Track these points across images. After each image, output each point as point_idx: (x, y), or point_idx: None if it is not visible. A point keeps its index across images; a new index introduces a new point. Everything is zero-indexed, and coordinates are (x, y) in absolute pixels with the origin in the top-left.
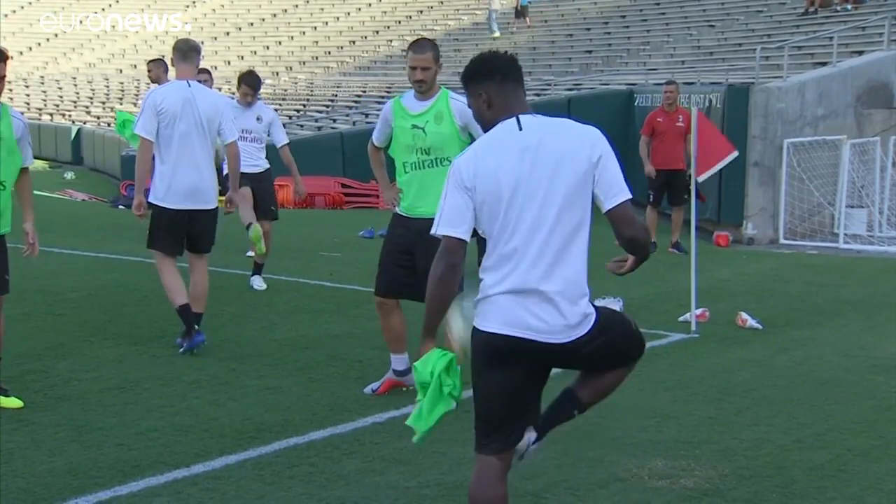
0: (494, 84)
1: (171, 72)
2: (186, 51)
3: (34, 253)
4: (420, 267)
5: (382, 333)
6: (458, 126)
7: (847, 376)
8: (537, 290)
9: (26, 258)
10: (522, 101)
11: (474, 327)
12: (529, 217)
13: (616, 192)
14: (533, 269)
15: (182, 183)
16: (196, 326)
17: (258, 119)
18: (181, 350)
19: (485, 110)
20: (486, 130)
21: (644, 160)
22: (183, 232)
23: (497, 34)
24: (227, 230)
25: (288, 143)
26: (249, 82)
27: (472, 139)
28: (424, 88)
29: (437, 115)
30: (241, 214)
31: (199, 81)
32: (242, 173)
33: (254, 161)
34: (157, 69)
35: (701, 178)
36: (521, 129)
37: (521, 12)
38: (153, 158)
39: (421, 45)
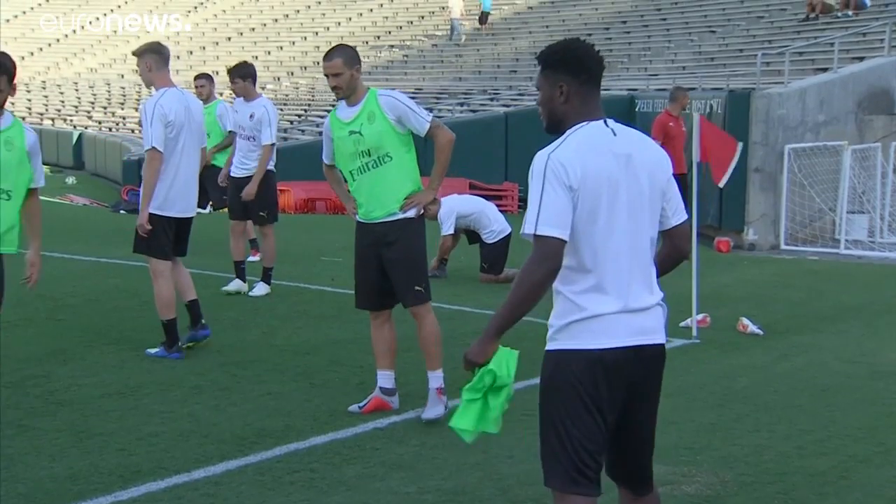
0: (578, 82)
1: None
2: (167, 56)
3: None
4: (390, 271)
5: (373, 345)
6: (391, 121)
7: (848, 382)
8: (645, 307)
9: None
10: (600, 104)
11: (573, 349)
12: (629, 226)
13: (681, 209)
14: (637, 284)
15: (182, 192)
16: (202, 319)
17: (251, 116)
18: (182, 343)
19: (560, 103)
20: (550, 121)
21: None
22: (172, 238)
23: (462, 40)
24: (226, 236)
25: (271, 144)
26: (232, 74)
27: (410, 133)
28: (342, 94)
29: (370, 116)
30: (231, 249)
31: (199, 87)
32: (231, 177)
33: (243, 163)
34: (209, 84)
35: (722, 183)
36: (615, 134)
37: (483, 18)
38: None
39: (329, 52)
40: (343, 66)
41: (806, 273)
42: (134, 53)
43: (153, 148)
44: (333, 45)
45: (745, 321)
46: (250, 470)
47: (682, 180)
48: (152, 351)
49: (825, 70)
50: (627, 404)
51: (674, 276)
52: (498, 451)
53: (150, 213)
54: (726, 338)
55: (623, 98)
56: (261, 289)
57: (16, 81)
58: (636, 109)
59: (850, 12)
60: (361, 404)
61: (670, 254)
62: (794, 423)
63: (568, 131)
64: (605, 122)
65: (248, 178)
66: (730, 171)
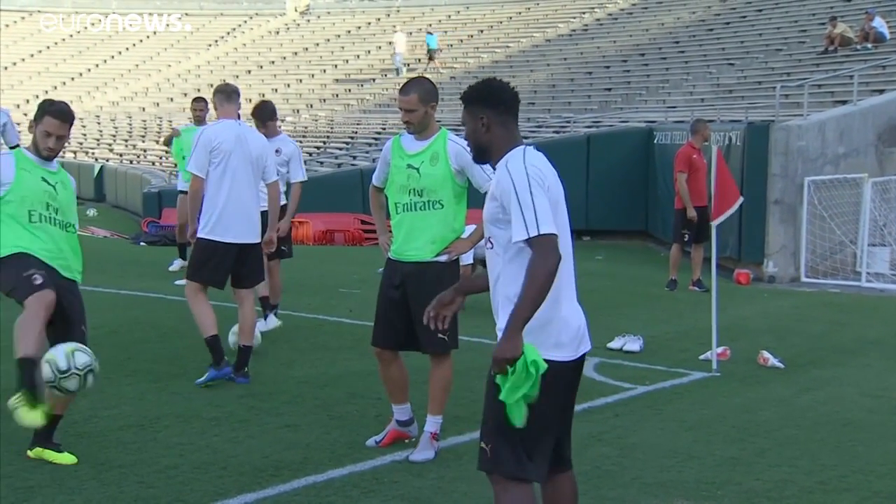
0: (496, 113)
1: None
2: (230, 93)
3: None
4: (415, 314)
5: (383, 384)
6: (453, 169)
7: (871, 417)
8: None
9: None
10: (519, 134)
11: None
12: (566, 235)
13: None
14: (573, 290)
15: (235, 217)
16: (246, 367)
17: (277, 151)
18: (206, 379)
19: (482, 133)
20: (476, 150)
21: (687, 201)
22: (230, 266)
23: (402, 74)
24: None
25: (303, 181)
26: (257, 115)
27: (469, 183)
28: (413, 130)
29: (433, 156)
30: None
31: (196, 110)
32: None
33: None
34: (206, 109)
35: (715, 223)
36: (542, 155)
37: (430, 56)
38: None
39: (406, 86)
40: (419, 102)
41: (827, 306)
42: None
43: (193, 174)
44: (410, 79)
45: (766, 354)
46: (268, 503)
47: (703, 212)
48: (201, 379)
49: (844, 102)
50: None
51: (693, 309)
52: None
53: (202, 238)
54: (747, 371)
55: (641, 130)
56: (271, 322)
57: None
58: (654, 141)
59: (869, 45)
60: (379, 438)
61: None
62: (816, 458)
63: (515, 151)
64: (535, 146)
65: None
66: (725, 216)
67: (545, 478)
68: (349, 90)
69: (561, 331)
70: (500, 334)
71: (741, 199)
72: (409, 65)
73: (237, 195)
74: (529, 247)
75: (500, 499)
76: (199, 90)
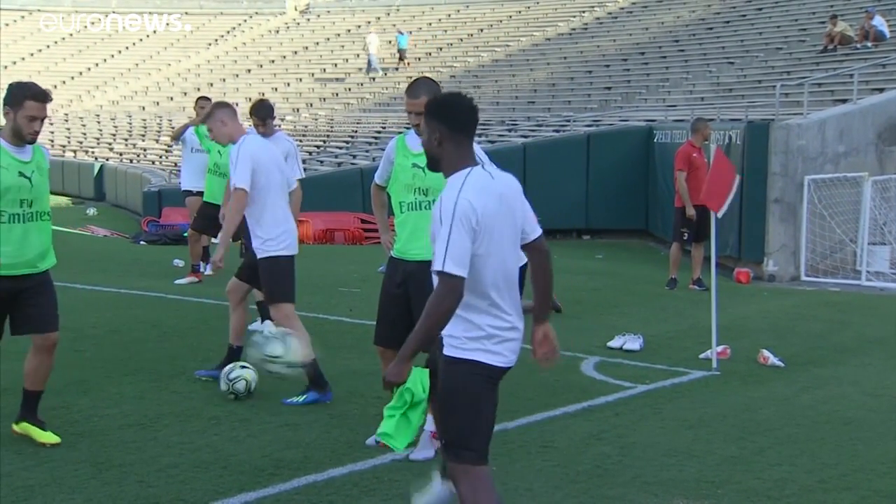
0: (448, 129)
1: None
2: (234, 111)
3: None
4: (417, 313)
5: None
6: None
7: (871, 416)
8: (517, 327)
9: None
10: (473, 151)
11: (482, 363)
12: (505, 257)
13: (535, 225)
14: (512, 308)
15: (293, 230)
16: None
17: None
18: (200, 374)
19: (435, 146)
20: (429, 160)
21: (686, 200)
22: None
23: (379, 74)
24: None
25: (300, 179)
26: (256, 113)
27: None
28: (421, 132)
29: None
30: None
31: (203, 108)
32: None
33: None
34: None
35: (720, 213)
36: (493, 178)
37: (401, 56)
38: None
39: (414, 88)
40: None
41: (827, 305)
42: (204, 120)
43: (241, 188)
44: (417, 80)
45: (766, 353)
46: (268, 501)
47: (703, 211)
48: (299, 399)
49: (844, 101)
50: None
51: (693, 308)
52: (517, 484)
53: (281, 256)
54: (747, 369)
55: (641, 129)
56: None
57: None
58: (654, 140)
59: (868, 44)
60: (378, 438)
61: (541, 263)
62: (816, 457)
63: (457, 176)
64: (483, 166)
65: None
66: (728, 201)
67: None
68: (349, 89)
69: (502, 340)
70: (443, 342)
71: (738, 178)
72: (384, 59)
73: (286, 208)
74: (437, 277)
75: (464, 483)
76: (198, 89)
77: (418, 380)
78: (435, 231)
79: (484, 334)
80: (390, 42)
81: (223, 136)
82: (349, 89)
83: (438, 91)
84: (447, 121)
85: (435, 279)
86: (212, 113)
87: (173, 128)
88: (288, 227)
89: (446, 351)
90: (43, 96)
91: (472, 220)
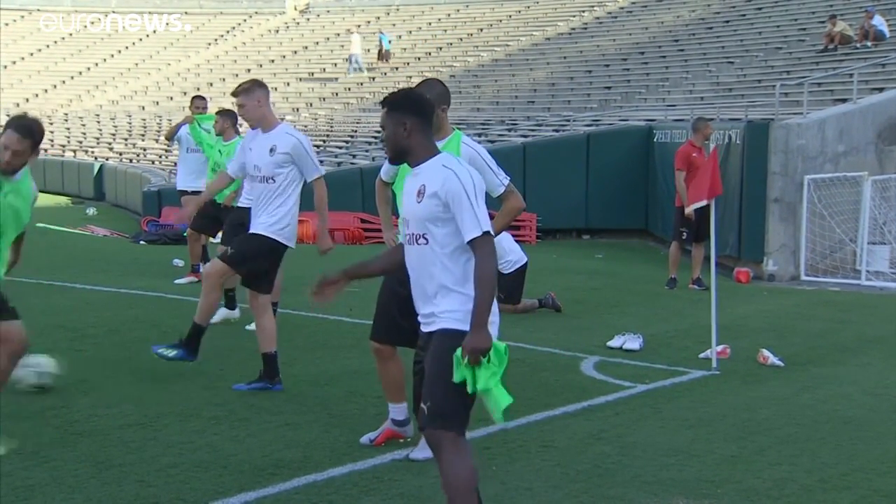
0: (418, 121)
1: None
2: (269, 93)
3: None
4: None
5: (380, 381)
6: None
7: (871, 415)
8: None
9: (47, 294)
10: (433, 139)
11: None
12: None
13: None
14: None
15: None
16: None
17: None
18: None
19: (403, 138)
20: (394, 153)
21: (684, 198)
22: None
23: (364, 74)
24: None
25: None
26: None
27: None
28: None
29: None
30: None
31: (198, 108)
32: (238, 208)
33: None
34: (224, 121)
35: (689, 210)
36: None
37: (384, 55)
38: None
39: (418, 89)
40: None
41: (826, 304)
42: (235, 93)
43: (321, 176)
44: (422, 81)
45: (766, 352)
46: (268, 501)
47: (704, 210)
48: (243, 385)
49: (844, 101)
50: None
51: (693, 307)
52: (517, 483)
53: (279, 242)
54: (746, 369)
55: (641, 129)
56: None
57: (39, 148)
58: (654, 140)
59: (868, 43)
60: (373, 436)
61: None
62: (816, 456)
63: (447, 156)
64: (450, 154)
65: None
66: (698, 205)
67: None
68: (348, 88)
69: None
70: (431, 320)
71: (705, 202)
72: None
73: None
74: (473, 246)
75: (450, 451)
76: (198, 89)
77: (499, 343)
78: (438, 207)
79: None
80: (390, 42)
81: (255, 116)
82: (349, 89)
83: (443, 90)
84: (418, 112)
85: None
86: (250, 89)
87: (187, 116)
88: (294, 221)
89: (444, 325)
90: (22, 129)
91: (481, 191)
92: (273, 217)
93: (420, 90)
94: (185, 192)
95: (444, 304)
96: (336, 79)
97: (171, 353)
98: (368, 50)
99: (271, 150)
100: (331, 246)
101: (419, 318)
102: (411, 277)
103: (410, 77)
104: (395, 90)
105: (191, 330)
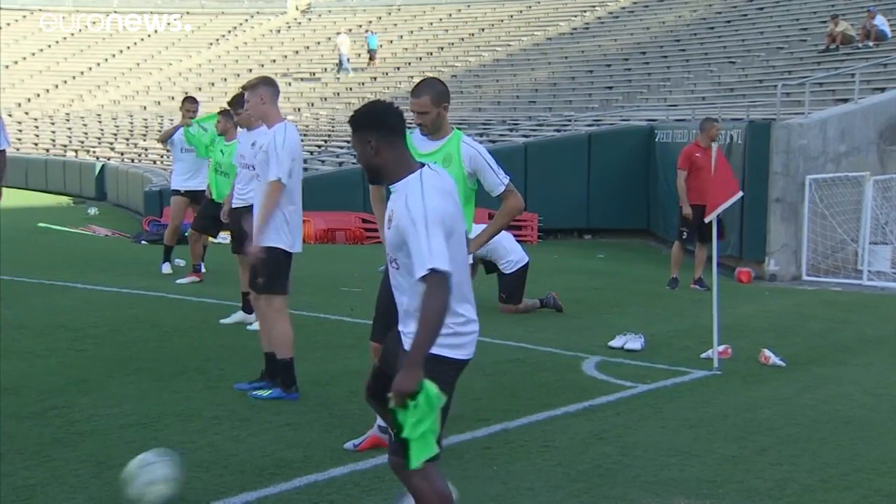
0: (381, 135)
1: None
2: (278, 90)
3: None
4: None
5: None
6: (465, 171)
7: (872, 415)
8: (475, 319)
9: (49, 294)
10: (410, 152)
11: (452, 358)
12: (462, 254)
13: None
14: (470, 303)
15: (300, 227)
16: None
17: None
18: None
19: (371, 156)
20: (369, 173)
21: (682, 199)
22: None
23: (351, 74)
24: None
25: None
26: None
27: (478, 185)
28: (426, 131)
29: (446, 158)
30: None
31: (188, 111)
32: (233, 209)
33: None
34: (226, 121)
35: (708, 219)
36: (441, 176)
37: (371, 55)
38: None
39: (418, 88)
40: (431, 104)
41: (828, 304)
42: (244, 87)
43: (279, 180)
44: (422, 80)
45: (767, 352)
46: (269, 501)
47: (703, 211)
48: (264, 394)
49: (846, 101)
50: None
51: (695, 307)
52: (518, 483)
53: (282, 250)
54: (748, 369)
55: (643, 129)
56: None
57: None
58: (655, 140)
59: (870, 43)
60: (357, 442)
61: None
62: (817, 456)
63: (412, 180)
64: (430, 167)
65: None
66: (720, 210)
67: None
68: (350, 88)
69: (466, 335)
70: (406, 338)
71: (740, 194)
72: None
73: (300, 204)
74: (423, 282)
75: (417, 485)
76: (199, 89)
77: (433, 389)
78: (399, 240)
79: (451, 331)
80: (391, 42)
81: (257, 113)
82: (350, 88)
83: (443, 89)
84: (380, 128)
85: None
86: (255, 86)
87: (185, 121)
88: (297, 223)
89: (408, 346)
90: None
91: (443, 219)
92: (274, 222)
93: (382, 106)
94: (178, 193)
95: (412, 326)
96: (319, 78)
97: (265, 393)
98: (360, 55)
99: (253, 145)
100: (257, 251)
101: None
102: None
103: (412, 77)
104: (359, 107)
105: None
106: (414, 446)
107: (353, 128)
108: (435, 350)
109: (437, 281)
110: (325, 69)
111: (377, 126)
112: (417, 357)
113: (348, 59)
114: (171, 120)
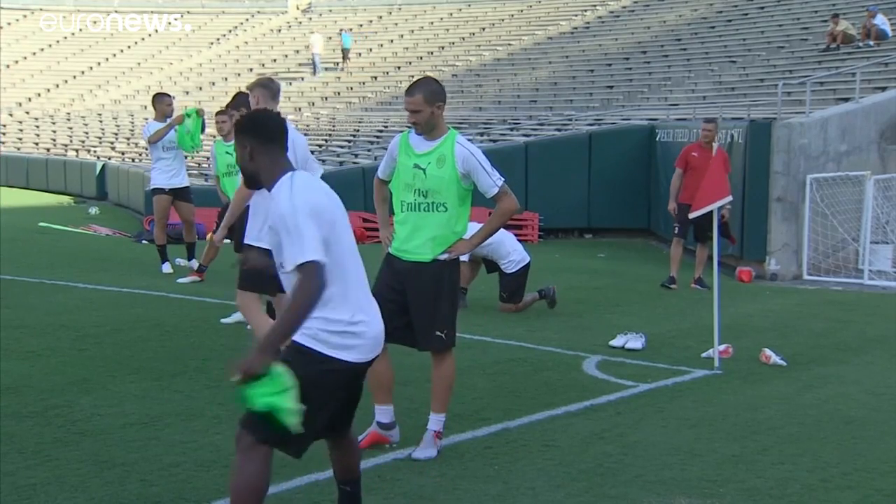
0: (259, 143)
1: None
2: (275, 90)
3: None
4: (412, 312)
5: (367, 381)
6: (459, 172)
7: (873, 415)
8: (363, 321)
9: (50, 293)
10: (288, 160)
11: (334, 357)
12: (351, 251)
13: None
14: (366, 296)
15: None
16: None
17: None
18: None
19: (248, 161)
20: (245, 176)
21: (672, 194)
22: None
23: (322, 74)
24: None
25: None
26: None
27: (473, 187)
28: (420, 130)
29: (440, 158)
30: None
31: (168, 105)
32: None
33: None
34: (229, 122)
35: (692, 216)
36: (315, 179)
37: (345, 55)
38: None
39: (411, 87)
40: (424, 103)
41: (829, 303)
42: (248, 88)
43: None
44: (417, 79)
45: (768, 352)
46: (271, 500)
47: (707, 213)
48: None
49: (847, 100)
50: None
51: (696, 307)
52: (519, 483)
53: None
54: (749, 368)
55: (643, 128)
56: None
57: None
58: (656, 139)
59: (871, 42)
60: (358, 439)
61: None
62: (818, 456)
63: (283, 181)
64: (303, 172)
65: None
66: (703, 211)
67: (302, 454)
68: (350, 88)
69: (355, 336)
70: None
71: (729, 198)
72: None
73: None
74: (296, 272)
75: (242, 461)
76: (200, 88)
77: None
78: (278, 235)
79: (339, 329)
80: (391, 41)
81: None
82: (351, 88)
83: (437, 88)
84: (257, 135)
85: (287, 279)
86: (252, 88)
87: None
88: None
89: (301, 340)
90: None
91: (313, 209)
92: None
93: (264, 114)
94: (162, 191)
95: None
96: (302, 78)
97: None
98: (346, 60)
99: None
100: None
101: None
102: None
103: (412, 76)
104: (250, 111)
105: None
106: (279, 414)
107: (235, 131)
108: (308, 342)
109: (307, 271)
110: (326, 68)
111: (254, 132)
112: (272, 341)
113: (319, 58)
114: (167, 119)
